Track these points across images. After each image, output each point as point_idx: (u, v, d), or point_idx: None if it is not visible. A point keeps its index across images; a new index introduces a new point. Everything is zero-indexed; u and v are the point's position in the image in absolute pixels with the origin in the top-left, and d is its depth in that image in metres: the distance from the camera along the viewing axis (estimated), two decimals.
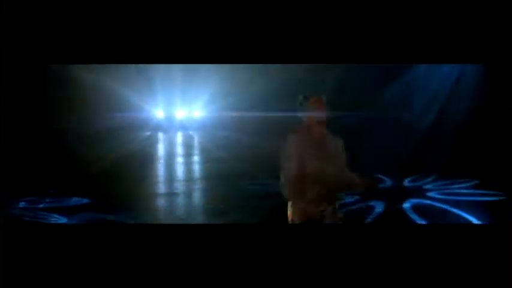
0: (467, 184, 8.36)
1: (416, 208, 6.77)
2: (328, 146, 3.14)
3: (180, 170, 11.95)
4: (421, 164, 9.71)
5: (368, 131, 13.48)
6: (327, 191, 3.09)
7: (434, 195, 7.65)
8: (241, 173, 9.83)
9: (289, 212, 3.15)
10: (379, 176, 8.86)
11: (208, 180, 9.93)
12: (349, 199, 7.02)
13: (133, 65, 16.34)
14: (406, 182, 8.78)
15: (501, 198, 7.02)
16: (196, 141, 17.94)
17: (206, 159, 13.06)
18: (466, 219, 6.05)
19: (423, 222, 6.07)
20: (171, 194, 8.62)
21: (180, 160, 13.49)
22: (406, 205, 6.95)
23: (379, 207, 6.72)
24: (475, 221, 5.90)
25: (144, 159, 12.89)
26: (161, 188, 9.72)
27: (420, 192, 7.87)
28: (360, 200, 7.06)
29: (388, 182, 8.72)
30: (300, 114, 3.14)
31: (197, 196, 8.60)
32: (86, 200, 7.56)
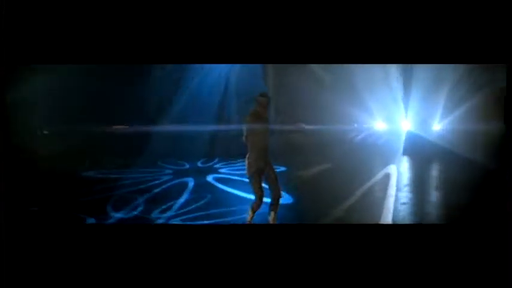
0: None
1: (217, 179, 8.36)
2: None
3: None
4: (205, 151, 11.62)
5: None
6: (266, 151, 4.64)
7: (226, 170, 9.50)
8: None
9: (246, 162, 4.58)
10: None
11: None
12: (165, 178, 8.27)
13: None
14: (199, 164, 10.48)
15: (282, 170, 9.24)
16: None
17: None
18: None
19: (224, 187, 7.60)
20: None
21: None
22: (209, 178, 8.50)
23: (191, 182, 8.04)
24: None
25: None
26: None
27: (214, 170, 9.64)
28: (172, 179, 8.39)
29: (187, 165, 10.27)
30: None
31: None
32: None
